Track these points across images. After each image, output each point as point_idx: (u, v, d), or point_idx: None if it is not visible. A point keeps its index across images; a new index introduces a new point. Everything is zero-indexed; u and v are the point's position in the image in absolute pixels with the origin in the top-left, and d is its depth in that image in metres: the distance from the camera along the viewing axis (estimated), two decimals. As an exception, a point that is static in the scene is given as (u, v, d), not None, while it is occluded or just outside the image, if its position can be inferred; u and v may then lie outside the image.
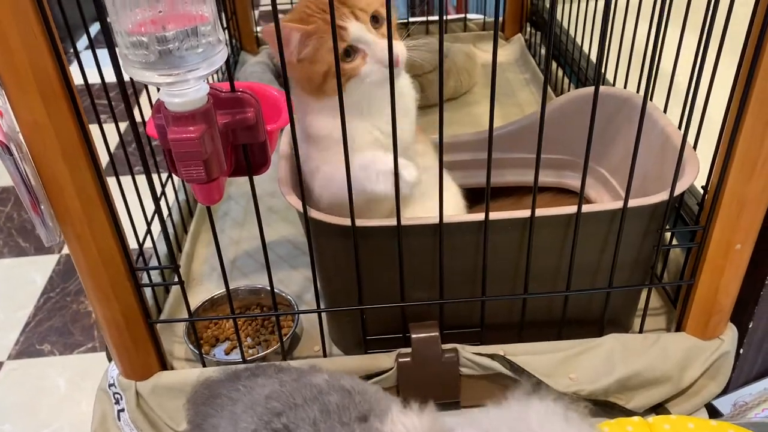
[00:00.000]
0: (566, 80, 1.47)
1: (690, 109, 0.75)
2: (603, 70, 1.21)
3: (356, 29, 0.75)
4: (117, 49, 0.57)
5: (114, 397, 0.86)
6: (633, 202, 0.76)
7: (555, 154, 1.08)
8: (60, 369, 1.29)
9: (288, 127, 0.85)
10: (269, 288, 0.83)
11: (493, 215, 0.76)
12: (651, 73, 0.70)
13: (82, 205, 0.70)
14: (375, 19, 0.77)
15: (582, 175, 0.74)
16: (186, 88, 0.58)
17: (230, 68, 0.65)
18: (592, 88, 1.03)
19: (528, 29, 1.76)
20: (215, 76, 1.59)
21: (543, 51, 1.62)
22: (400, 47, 0.77)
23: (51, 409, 1.21)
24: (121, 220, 0.76)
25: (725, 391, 0.91)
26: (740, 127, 0.70)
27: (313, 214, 0.78)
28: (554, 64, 1.54)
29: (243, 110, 0.65)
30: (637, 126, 0.73)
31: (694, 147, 0.85)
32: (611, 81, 1.19)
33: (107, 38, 0.60)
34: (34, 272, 1.55)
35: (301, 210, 0.76)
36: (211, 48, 0.56)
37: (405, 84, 0.85)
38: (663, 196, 0.77)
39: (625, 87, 1.09)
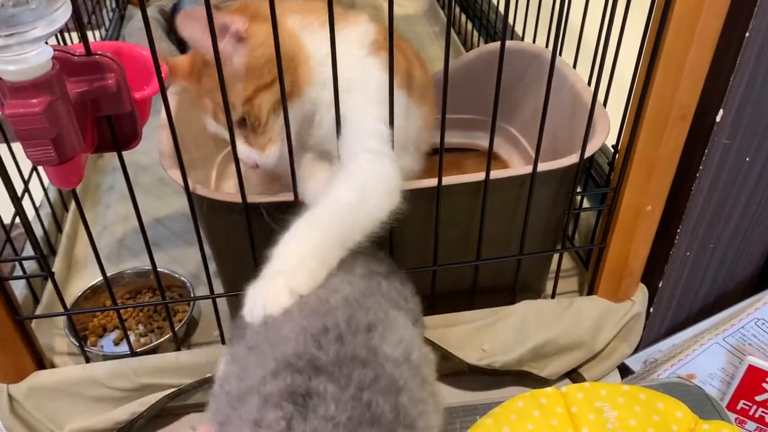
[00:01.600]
0: (476, 34, 1.42)
1: (600, 66, 0.71)
2: (513, 24, 1.16)
3: (214, 128, 0.68)
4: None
5: (-16, 404, 0.76)
6: (542, 166, 0.72)
7: (464, 114, 1.04)
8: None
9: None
10: (158, 270, 0.75)
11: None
12: (559, 27, 0.65)
13: None
14: (243, 122, 0.67)
15: (489, 140, 0.69)
16: (22, 53, 0.48)
17: (82, 24, 0.55)
18: (498, 44, 0.99)
19: (436, -21, 1.69)
20: (98, 31, 1.45)
21: (452, 2, 1.56)
22: (257, 156, 0.67)
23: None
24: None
25: (636, 350, 0.91)
26: (649, 87, 0.66)
27: (200, 191, 0.70)
28: (463, 17, 1.48)
29: (102, 76, 0.56)
30: (547, 83, 0.68)
31: (604, 104, 0.82)
32: (521, 35, 1.14)
33: None
34: None
35: (183, 185, 0.68)
36: (47, 4, 0.47)
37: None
38: (573, 158, 0.73)
39: (534, 41, 1.04)
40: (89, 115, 0.57)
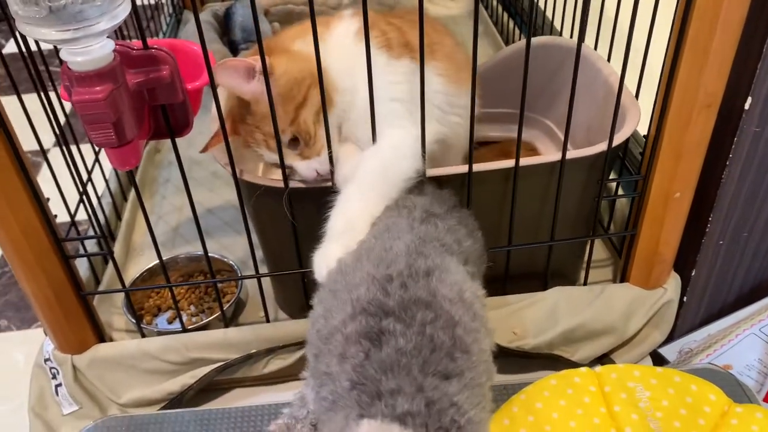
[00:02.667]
0: (517, 31, 1.44)
1: (625, 57, 0.73)
2: (552, 19, 1.18)
3: (269, 156, 0.74)
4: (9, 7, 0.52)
5: (51, 372, 0.83)
6: (571, 154, 0.75)
7: (501, 108, 1.06)
8: (18, 344, 1.26)
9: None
10: (209, 255, 0.81)
11: (431, 171, 0.74)
12: (584, 17, 0.67)
13: (-5, 175, 0.67)
14: (295, 142, 0.73)
15: (518, 127, 0.72)
16: (87, 45, 0.54)
17: (140, 23, 0.61)
18: (539, 38, 1.01)
19: (480, -20, 1.72)
20: (156, 36, 1.53)
21: (495, 2, 1.59)
22: (317, 164, 0.73)
23: (10, 385, 1.18)
24: (49, 189, 0.73)
25: (670, 339, 0.92)
26: (675, 74, 0.68)
27: (245, 176, 0.75)
28: (505, 16, 1.50)
29: (157, 68, 0.61)
30: (582, 76, 0.71)
31: (636, 96, 0.84)
32: (559, 30, 1.16)
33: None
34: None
35: (231, 171, 0.73)
36: (110, 1, 0.52)
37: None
38: (602, 146, 0.75)
39: (571, 36, 1.06)
40: (146, 104, 0.63)
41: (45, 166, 0.83)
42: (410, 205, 0.68)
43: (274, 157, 0.72)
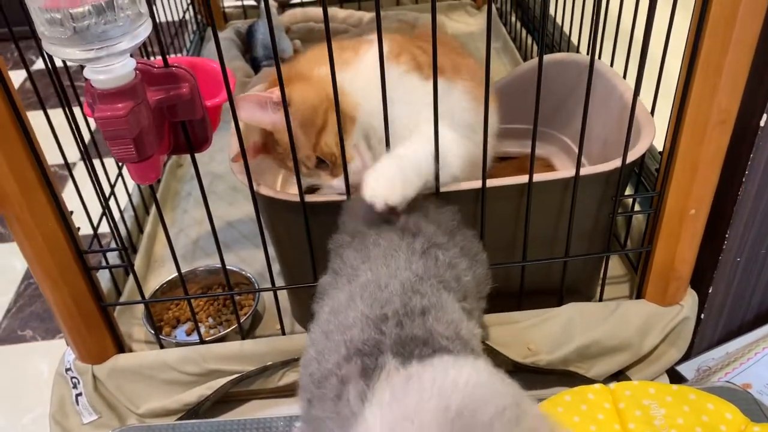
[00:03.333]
0: (535, 47, 1.45)
1: (638, 73, 0.73)
2: (569, 35, 1.19)
3: (306, 181, 0.76)
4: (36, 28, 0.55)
5: (71, 382, 0.85)
6: (585, 170, 0.75)
7: (518, 124, 1.07)
8: (42, 354, 1.28)
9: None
10: (228, 268, 0.82)
11: (445, 188, 0.75)
12: (595, 32, 0.68)
13: (21, 189, 0.69)
14: (323, 164, 0.76)
15: (531, 143, 0.73)
16: (110, 64, 0.56)
17: (161, 42, 0.63)
18: (556, 55, 1.02)
19: (499, -3, 1.73)
20: (180, 53, 1.57)
21: (513, 18, 1.60)
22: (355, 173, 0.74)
23: (34, 395, 1.20)
24: (73, 202, 0.75)
25: (688, 357, 0.91)
26: (689, 91, 0.68)
27: (262, 190, 0.77)
28: (523, 32, 1.51)
29: (177, 86, 0.63)
30: (597, 92, 0.72)
31: (652, 111, 0.84)
32: (576, 46, 1.17)
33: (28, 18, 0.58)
34: (14, 258, 1.53)
35: (249, 186, 0.75)
36: (131, 21, 0.54)
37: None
38: (616, 162, 0.76)
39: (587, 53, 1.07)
40: (166, 120, 0.65)
41: (70, 179, 0.85)
42: (414, 230, 0.66)
43: (309, 180, 0.76)
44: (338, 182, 0.75)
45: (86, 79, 0.58)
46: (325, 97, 0.72)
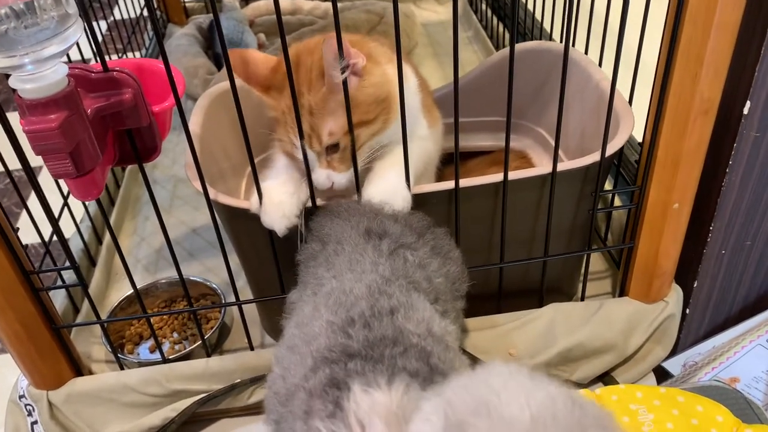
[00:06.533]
0: (507, 35, 1.40)
1: (615, 61, 0.69)
2: (541, 23, 1.15)
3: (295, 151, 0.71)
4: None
5: (26, 409, 0.80)
6: (562, 166, 0.71)
7: (492, 116, 1.03)
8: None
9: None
10: (191, 279, 0.77)
11: (417, 189, 0.71)
12: (569, 19, 0.64)
13: (-47, 208, 0.63)
14: (334, 148, 0.69)
15: (505, 141, 0.69)
16: (37, 71, 0.50)
17: (99, 45, 0.58)
18: (528, 44, 0.98)
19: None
20: (138, 52, 1.50)
21: (484, 6, 1.55)
22: (338, 177, 0.70)
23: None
24: (23, 218, 0.69)
25: (674, 353, 0.88)
26: (669, 80, 0.64)
27: (221, 198, 0.72)
28: (494, 19, 1.47)
29: (119, 92, 0.58)
30: (572, 82, 0.68)
31: (630, 100, 0.80)
32: (549, 33, 1.13)
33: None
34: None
35: (206, 195, 0.70)
36: (58, 24, 0.49)
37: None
38: (594, 157, 0.72)
39: (561, 40, 1.03)
40: (109, 129, 0.60)
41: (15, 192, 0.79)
42: (379, 231, 0.63)
43: (298, 157, 0.70)
44: (324, 174, 0.69)
45: (13, 90, 0.52)
46: (388, 94, 0.69)
